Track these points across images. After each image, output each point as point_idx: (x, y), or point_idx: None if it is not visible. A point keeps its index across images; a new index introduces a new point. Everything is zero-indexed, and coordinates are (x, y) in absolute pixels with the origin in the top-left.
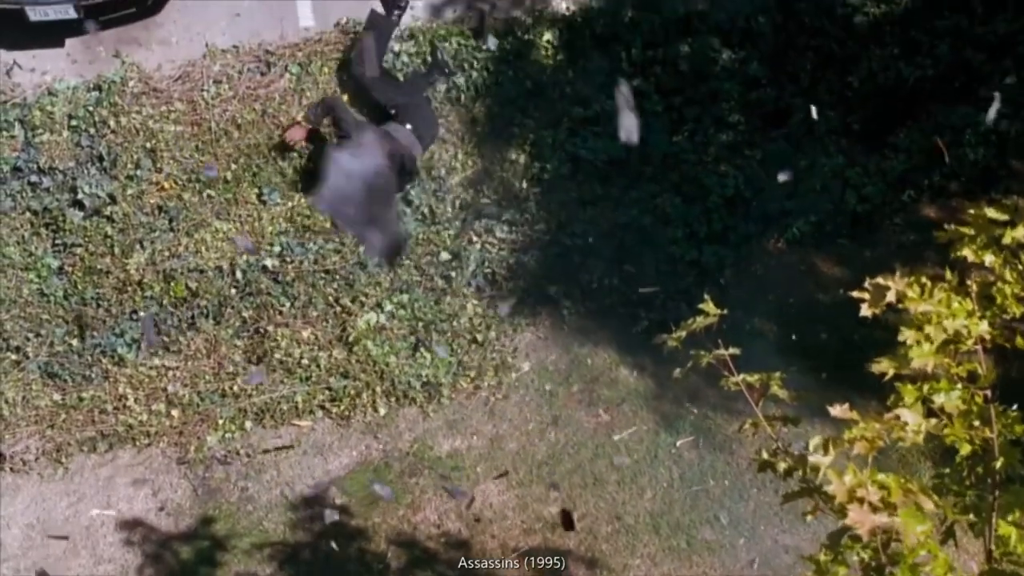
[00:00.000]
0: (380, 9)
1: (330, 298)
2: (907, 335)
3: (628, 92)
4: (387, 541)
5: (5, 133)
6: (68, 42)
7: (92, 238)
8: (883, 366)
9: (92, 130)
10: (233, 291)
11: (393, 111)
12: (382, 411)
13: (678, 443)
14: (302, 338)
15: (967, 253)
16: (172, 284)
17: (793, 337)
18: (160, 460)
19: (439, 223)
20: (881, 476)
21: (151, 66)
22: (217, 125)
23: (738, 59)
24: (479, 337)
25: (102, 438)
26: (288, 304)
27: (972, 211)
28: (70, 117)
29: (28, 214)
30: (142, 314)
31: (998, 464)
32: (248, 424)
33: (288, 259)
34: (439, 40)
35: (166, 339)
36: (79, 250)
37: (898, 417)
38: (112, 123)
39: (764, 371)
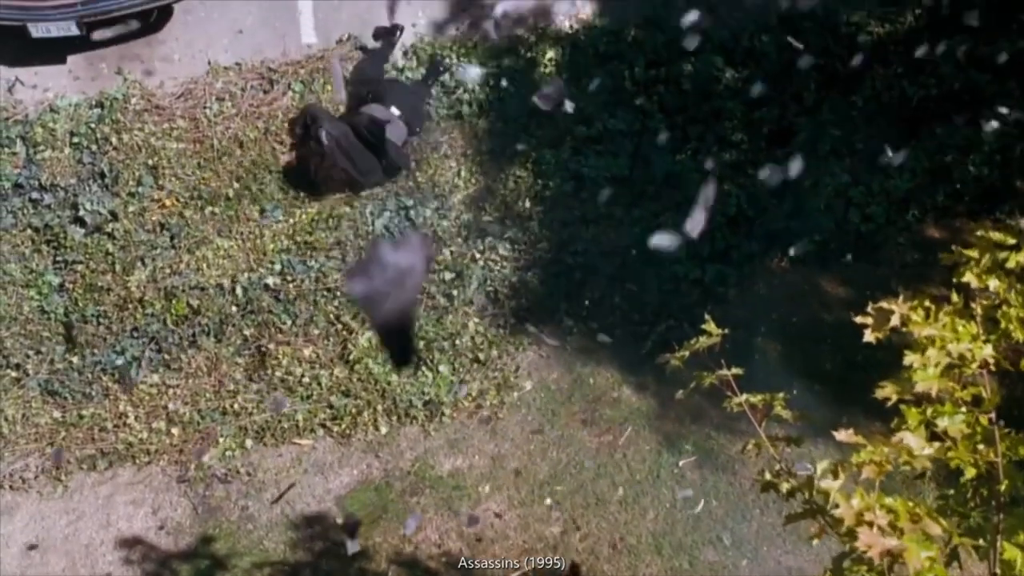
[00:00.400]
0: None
1: (331, 316)
2: (911, 358)
3: (712, 194)
4: (388, 561)
5: (7, 150)
6: (70, 59)
7: (93, 255)
8: (887, 391)
9: (94, 147)
10: (234, 309)
11: (369, 95)
12: (383, 430)
13: (680, 463)
14: (303, 356)
15: (971, 278)
16: (173, 302)
17: (796, 357)
18: (160, 478)
19: (441, 241)
20: (888, 500)
21: (153, 83)
22: (219, 142)
23: (741, 78)
24: (481, 356)
25: (102, 456)
26: (289, 322)
27: (977, 233)
28: (72, 134)
29: (29, 231)
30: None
31: (1003, 487)
32: (249, 442)
33: (290, 277)
34: (438, 53)
35: (167, 357)
36: (80, 267)
37: (903, 441)
38: (114, 140)
39: (767, 391)
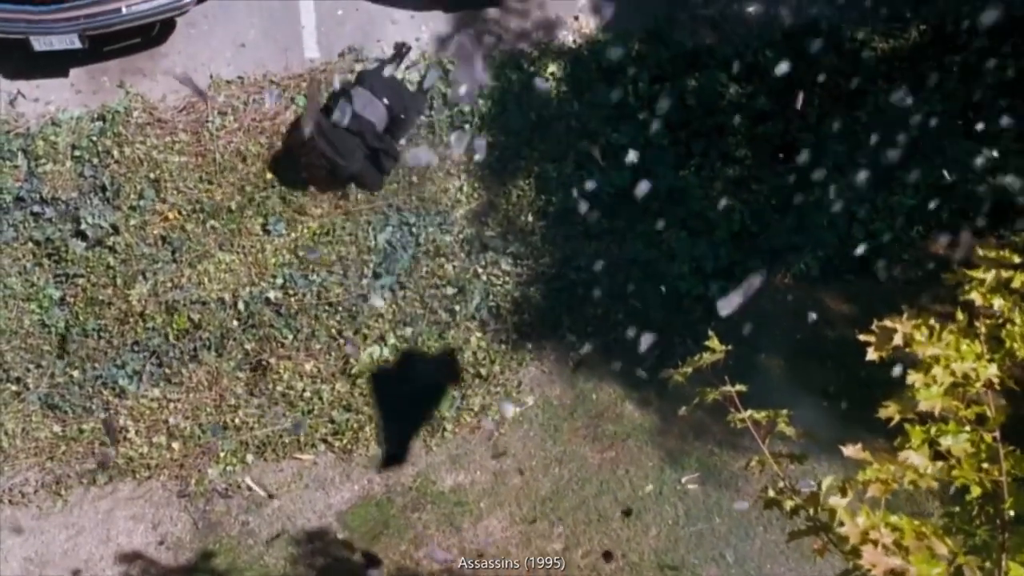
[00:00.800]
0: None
1: (333, 330)
2: (915, 377)
3: (755, 286)
4: None
5: (8, 163)
6: (72, 72)
7: (94, 269)
8: (890, 411)
9: (95, 160)
10: (236, 323)
11: (355, 83)
12: None
13: (683, 479)
14: (305, 371)
15: (975, 297)
16: (174, 315)
17: (799, 373)
18: (160, 493)
19: (443, 255)
20: (894, 518)
21: (155, 96)
22: (222, 156)
23: (745, 93)
24: (483, 371)
25: (102, 470)
26: (291, 336)
27: (981, 252)
28: (73, 147)
29: (30, 244)
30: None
31: (1007, 505)
32: (250, 457)
33: (291, 291)
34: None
35: (168, 371)
36: (81, 281)
37: (908, 459)
38: (116, 153)
39: (770, 407)
